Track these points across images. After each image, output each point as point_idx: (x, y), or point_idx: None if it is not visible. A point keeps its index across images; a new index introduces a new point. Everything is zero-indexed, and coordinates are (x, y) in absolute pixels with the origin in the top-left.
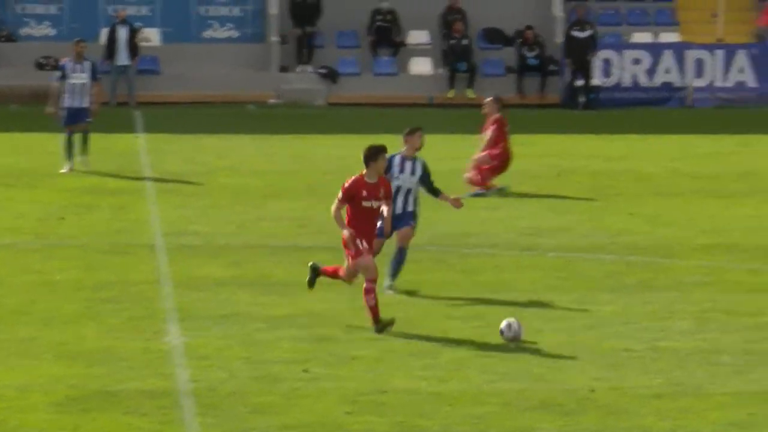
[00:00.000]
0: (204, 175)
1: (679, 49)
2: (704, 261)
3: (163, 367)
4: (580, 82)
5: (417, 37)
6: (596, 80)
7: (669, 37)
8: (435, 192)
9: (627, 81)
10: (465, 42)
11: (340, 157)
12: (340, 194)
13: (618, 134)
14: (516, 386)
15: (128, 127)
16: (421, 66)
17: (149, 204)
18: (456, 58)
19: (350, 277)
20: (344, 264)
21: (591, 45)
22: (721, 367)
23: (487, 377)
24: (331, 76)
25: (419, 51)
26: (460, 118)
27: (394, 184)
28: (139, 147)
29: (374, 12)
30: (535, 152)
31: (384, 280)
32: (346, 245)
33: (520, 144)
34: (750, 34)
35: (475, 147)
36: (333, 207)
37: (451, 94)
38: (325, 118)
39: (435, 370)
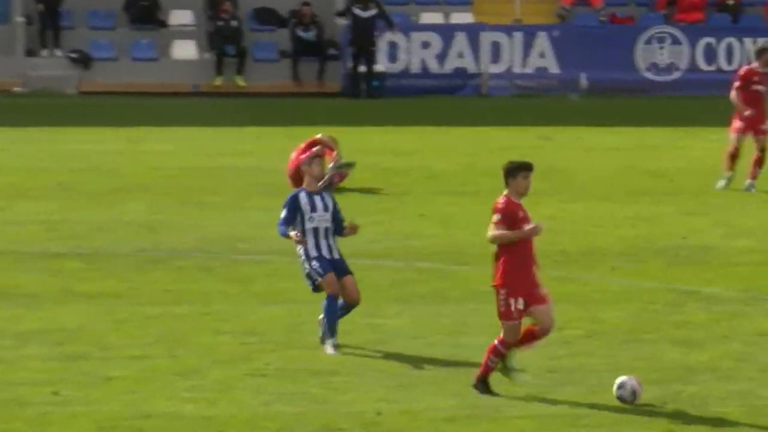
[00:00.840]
0: None
1: (472, 30)
2: None
3: None
4: (362, 68)
5: (180, 17)
6: (381, 66)
7: (461, 17)
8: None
9: (416, 67)
10: (234, 23)
11: (95, 152)
12: (496, 217)
13: (406, 126)
14: (293, 409)
15: None
16: (185, 50)
17: None
18: (223, 41)
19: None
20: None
21: (375, 26)
22: (521, 387)
23: (261, 399)
24: (83, 60)
25: (182, 33)
26: (229, 108)
27: (308, 226)
28: None
29: None
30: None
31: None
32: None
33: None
34: (551, 14)
35: (247, 141)
36: (491, 233)
37: (218, 81)
38: (77, 108)
39: (202, 391)
